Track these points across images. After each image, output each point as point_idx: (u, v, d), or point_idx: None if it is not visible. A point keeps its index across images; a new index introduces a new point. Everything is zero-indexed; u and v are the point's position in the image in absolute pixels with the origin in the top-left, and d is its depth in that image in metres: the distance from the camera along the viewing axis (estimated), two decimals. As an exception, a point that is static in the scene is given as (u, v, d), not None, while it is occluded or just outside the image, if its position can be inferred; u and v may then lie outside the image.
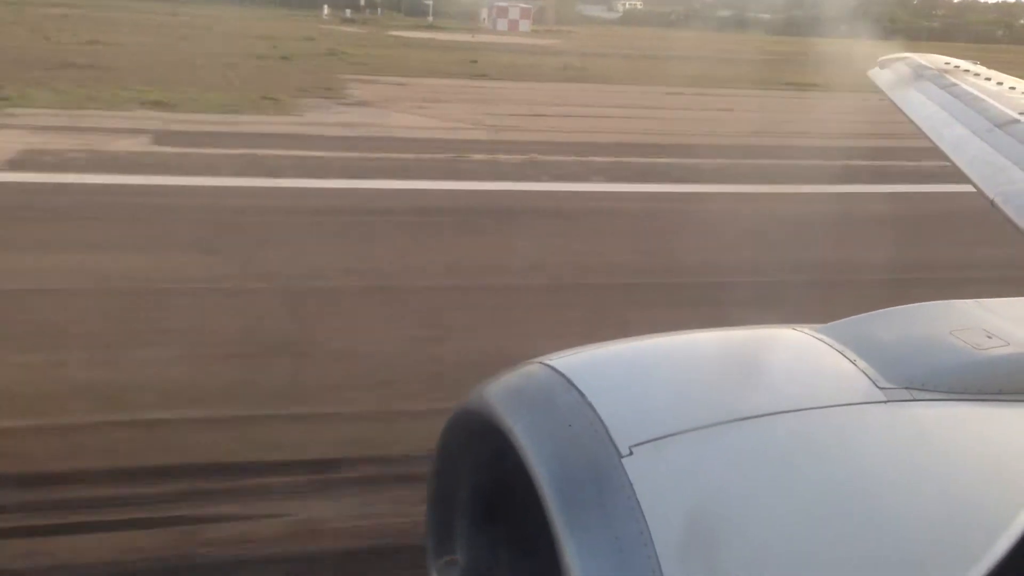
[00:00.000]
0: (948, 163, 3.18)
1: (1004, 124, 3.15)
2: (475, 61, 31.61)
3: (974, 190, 2.83)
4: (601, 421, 1.54)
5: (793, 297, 7.28)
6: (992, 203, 2.69)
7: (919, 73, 4.08)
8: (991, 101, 3.41)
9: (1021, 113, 3.17)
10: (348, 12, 61.83)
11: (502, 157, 14.61)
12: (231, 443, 5.27)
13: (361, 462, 5.08)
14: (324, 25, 52.87)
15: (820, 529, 1.43)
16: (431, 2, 65.77)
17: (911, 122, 3.75)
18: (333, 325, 7.25)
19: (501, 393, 1.68)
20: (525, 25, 60.70)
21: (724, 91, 26.16)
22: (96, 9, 46.85)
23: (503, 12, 61.93)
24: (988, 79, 3.81)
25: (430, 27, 56.25)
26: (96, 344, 6.52)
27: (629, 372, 1.77)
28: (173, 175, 12.24)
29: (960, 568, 1.36)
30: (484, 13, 64.61)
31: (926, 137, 3.51)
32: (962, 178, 2.98)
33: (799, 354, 1.83)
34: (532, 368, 1.72)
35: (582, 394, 1.60)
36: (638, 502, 1.42)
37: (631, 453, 1.48)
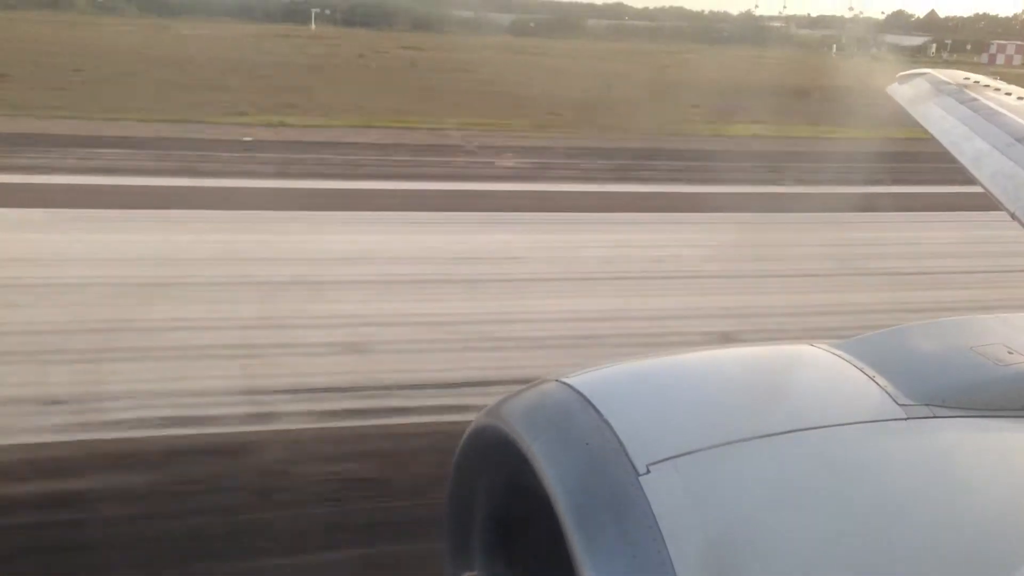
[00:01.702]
0: (970, 177, 3.15)
1: None
2: None
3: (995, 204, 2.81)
4: (618, 439, 1.53)
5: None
6: (1013, 216, 2.67)
7: (939, 88, 4.06)
8: (1011, 115, 3.38)
9: None
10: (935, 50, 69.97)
11: None
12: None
13: None
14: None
15: (842, 548, 1.41)
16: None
17: (932, 137, 3.72)
18: None
19: (518, 411, 1.68)
20: (1018, 59, 70.89)
21: None
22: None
23: (1002, 48, 75.77)
24: (1008, 94, 3.78)
25: (944, 63, 58.53)
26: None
27: (646, 390, 1.77)
28: None
29: None
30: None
31: (947, 151, 3.49)
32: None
33: (818, 371, 1.82)
34: (549, 386, 1.72)
35: (599, 412, 1.59)
36: (656, 520, 1.41)
37: (648, 471, 1.48)
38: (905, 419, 1.64)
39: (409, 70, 38.26)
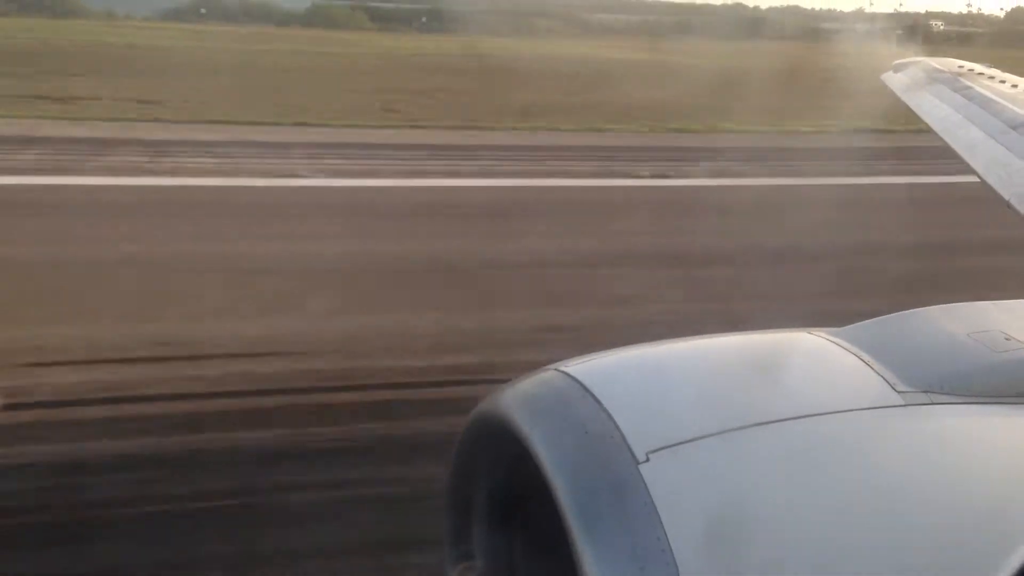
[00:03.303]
0: (964, 164, 3.17)
1: (1019, 126, 3.14)
2: None
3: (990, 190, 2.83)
4: (617, 427, 1.53)
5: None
6: (1008, 204, 2.68)
7: (933, 76, 4.07)
8: (1005, 103, 3.40)
9: None
10: None
11: None
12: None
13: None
14: None
15: (840, 535, 1.42)
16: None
17: (926, 125, 3.74)
18: None
19: (517, 400, 1.68)
20: None
21: None
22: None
23: None
24: (1003, 81, 3.80)
25: None
26: None
27: (645, 378, 1.77)
28: None
29: (982, 574, 1.35)
30: None
31: (941, 139, 3.50)
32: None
33: (816, 358, 1.82)
34: (548, 375, 1.72)
35: (598, 400, 1.59)
36: (655, 508, 1.41)
37: (648, 459, 1.48)
38: (903, 406, 1.64)
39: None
